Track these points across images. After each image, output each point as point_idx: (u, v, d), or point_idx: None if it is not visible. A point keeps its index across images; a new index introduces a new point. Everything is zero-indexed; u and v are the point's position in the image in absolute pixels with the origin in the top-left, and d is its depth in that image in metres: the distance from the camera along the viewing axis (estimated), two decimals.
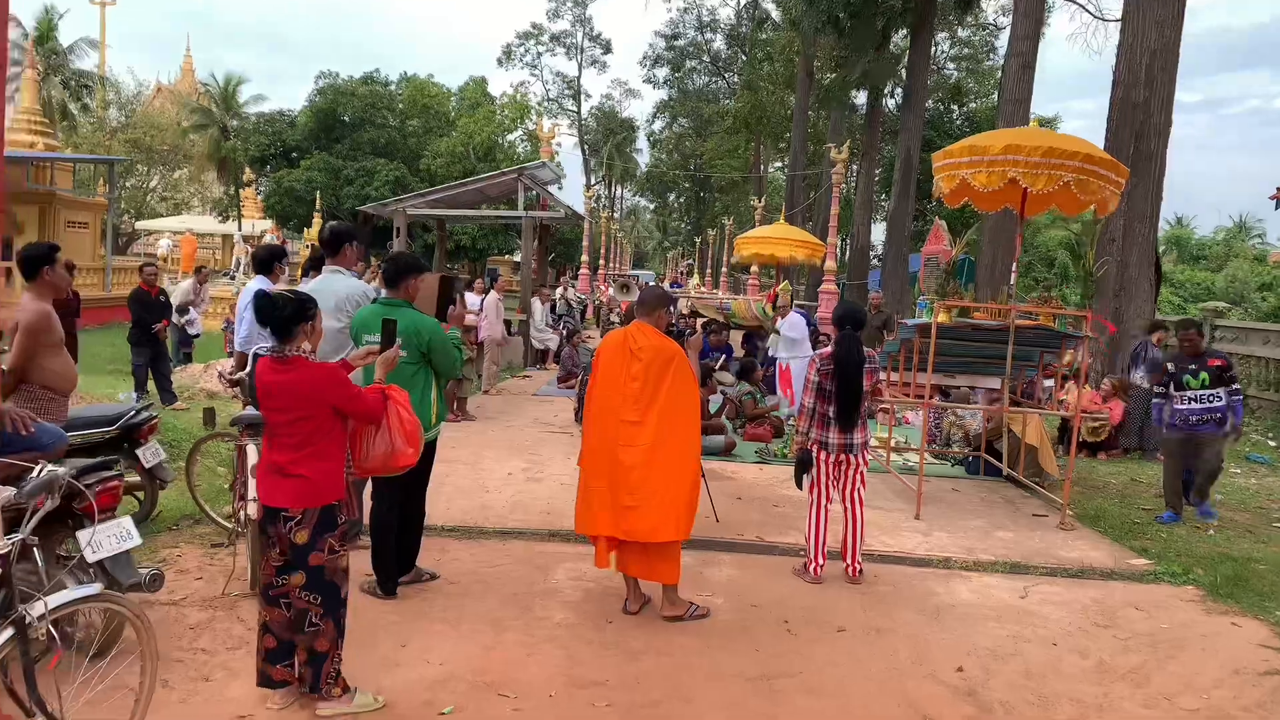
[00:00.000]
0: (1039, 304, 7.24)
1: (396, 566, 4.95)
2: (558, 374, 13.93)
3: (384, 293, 5.16)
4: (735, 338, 16.54)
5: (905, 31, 22.86)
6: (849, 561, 5.42)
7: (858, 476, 5.39)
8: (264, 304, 3.59)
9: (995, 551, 6.25)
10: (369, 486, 5.11)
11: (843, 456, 5.33)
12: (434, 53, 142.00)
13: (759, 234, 13.37)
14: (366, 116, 38.77)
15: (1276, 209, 12.43)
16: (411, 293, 4.81)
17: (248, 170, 41.42)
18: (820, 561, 5.35)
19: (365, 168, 36.31)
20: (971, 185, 6.69)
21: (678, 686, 4.01)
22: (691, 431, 4.67)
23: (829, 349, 5.35)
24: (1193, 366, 7.28)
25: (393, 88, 43.03)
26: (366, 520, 5.19)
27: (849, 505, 5.40)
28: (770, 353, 10.83)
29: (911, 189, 20.93)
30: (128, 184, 42.71)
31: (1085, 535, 6.89)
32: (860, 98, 32.27)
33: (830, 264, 16.72)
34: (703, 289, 31.51)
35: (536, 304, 15.78)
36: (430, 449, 4.91)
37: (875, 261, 29.74)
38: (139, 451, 5.73)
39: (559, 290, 21.90)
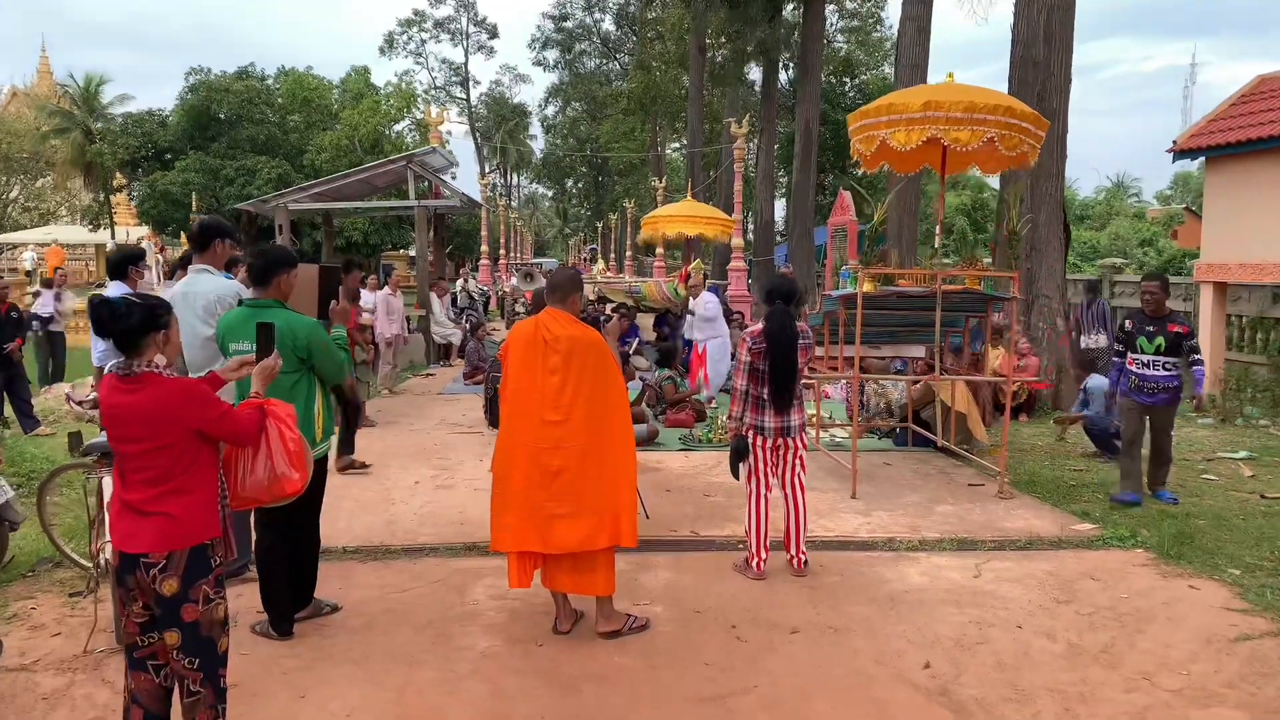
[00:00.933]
0: (965, 267, 6.98)
1: (291, 601, 4.33)
2: (463, 370, 13.24)
3: (251, 293, 4.53)
4: (645, 321, 16.14)
5: (796, 3, 22.72)
6: (793, 553, 5.02)
7: (797, 461, 4.99)
8: (103, 311, 2.94)
9: (939, 528, 5.96)
10: (253, 512, 4.46)
11: (780, 440, 4.92)
12: (313, 46, 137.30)
13: (665, 213, 12.94)
14: (244, 113, 36.98)
15: (1174, 161, 12.56)
16: (285, 290, 4.18)
17: (118, 175, 39.07)
18: (763, 556, 4.93)
19: (245, 166, 34.65)
20: (890, 145, 6.35)
21: (622, 718, 3.53)
22: (625, 425, 4.19)
23: (759, 325, 4.91)
24: (1150, 328, 6.47)
25: (270, 82, 41.20)
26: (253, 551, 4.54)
27: (789, 492, 5.00)
28: (685, 335, 10.40)
29: (813, 161, 20.83)
30: None
31: (1025, 503, 6.68)
32: (755, 73, 32.23)
33: (738, 240, 16.44)
34: (608, 273, 31.02)
35: (435, 298, 15.02)
36: (321, 467, 4.30)
37: (779, 237, 29.75)
38: None
39: (459, 282, 21.11)
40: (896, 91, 6.49)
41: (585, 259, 41.47)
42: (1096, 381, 8.01)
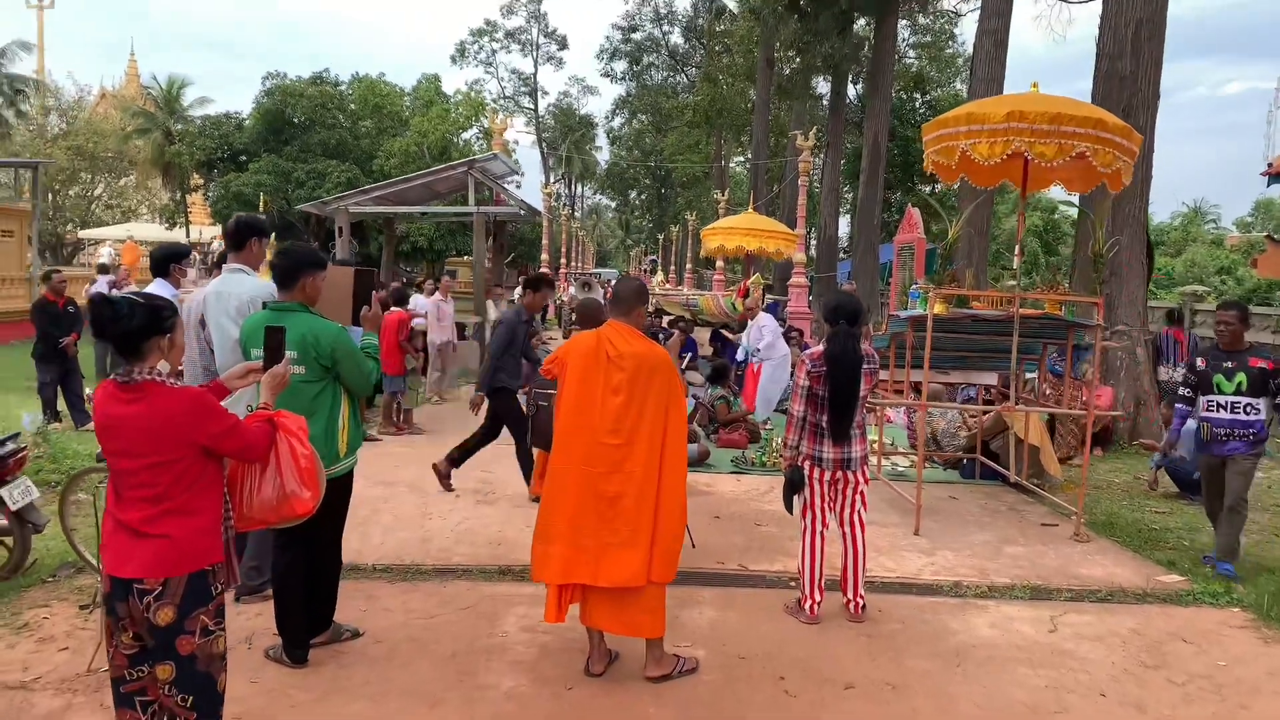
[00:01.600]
0: (1046, 290, 6.50)
1: (308, 625, 4.07)
2: None
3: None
4: (702, 336, 15.78)
5: (869, 16, 22.21)
6: (849, 596, 4.62)
7: (857, 497, 4.59)
8: (103, 311, 2.72)
9: (1010, 572, 5.50)
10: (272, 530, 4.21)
11: (839, 474, 4.53)
12: (386, 55, 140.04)
13: (726, 224, 12.58)
14: (316, 117, 37.58)
15: (1269, 185, 11.83)
16: (310, 293, 3.92)
17: (194, 175, 40.02)
18: (817, 598, 4.55)
19: (316, 170, 35.15)
20: (970, 157, 5.92)
21: None
22: (682, 453, 3.88)
23: (820, 347, 4.53)
24: (1229, 364, 5.59)
25: (343, 88, 41.87)
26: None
27: (848, 530, 4.60)
28: (741, 354, 9.99)
29: (880, 177, 20.26)
30: (71, 192, 41.09)
31: (1103, 547, 6.17)
32: (822, 87, 31.70)
33: (800, 256, 16.00)
34: (667, 285, 30.70)
35: (491, 305, 14.85)
36: (345, 484, 4.04)
37: (842, 254, 29.13)
38: (3, 491, 4.81)
39: (518, 290, 21.02)
40: (977, 101, 6.06)
41: (645, 270, 41.24)
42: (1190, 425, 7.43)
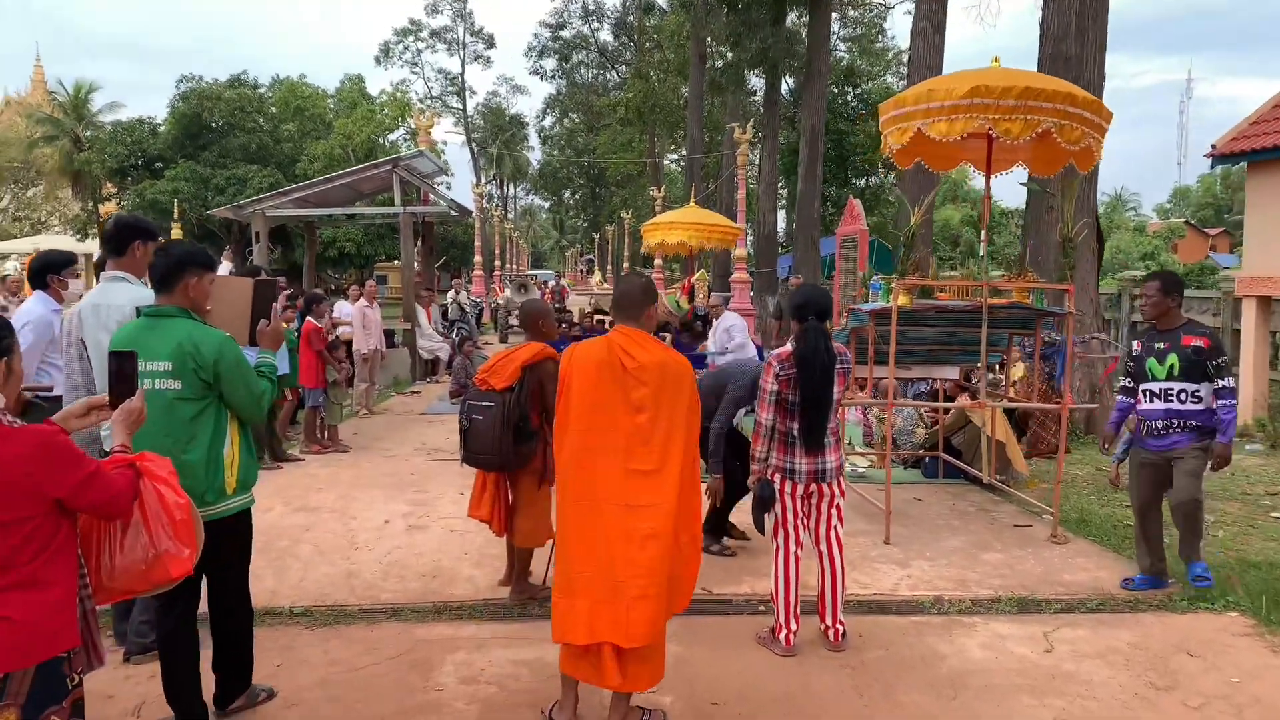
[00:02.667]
0: (1014, 278, 6.13)
1: (219, 694, 3.46)
2: (449, 387, 12.36)
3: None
4: None
5: (801, 8, 21.97)
6: (828, 622, 4.15)
7: (834, 511, 4.13)
8: None
9: (991, 582, 5.10)
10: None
11: (813, 486, 4.06)
12: (307, 57, 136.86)
13: (667, 219, 12.10)
14: (236, 121, 36.29)
15: (1213, 166, 11.78)
16: (195, 297, 3.31)
17: (106, 184, 38.27)
18: (793, 627, 4.06)
19: (237, 175, 33.88)
20: (929, 137, 5.51)
21: None
22: (699, 476, 3.39)
23: (787, 348, 4.05)
24: (1160, 345, 4.86)
25: (263, 90, 40.50)
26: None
27: (824, 549, 4.13)
28: (707, 358, 9.40)
29: (818, 169, 20.02)
30: None
31: (1081, 548, 5.82)
32: (755, 82, 31.54)
33: (741, 251, 15.62)
34: (605, 285, 30.17)
35: (421, 310, 14.16)
36: (241, 526, 3.39)
37: (780, 249, 28.93)
38: None
39: (450, 294, 20.29)
40: (938, 77, 5.66)
41: (582, 270, 40.67)
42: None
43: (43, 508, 2.10)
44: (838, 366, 3.97)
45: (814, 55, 20.48)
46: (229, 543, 3.28)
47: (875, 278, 6.56)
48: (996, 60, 5.91)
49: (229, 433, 3.27)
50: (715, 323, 9.42)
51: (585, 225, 65.25)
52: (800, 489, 4.04)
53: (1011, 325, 6.60)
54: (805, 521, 4.12)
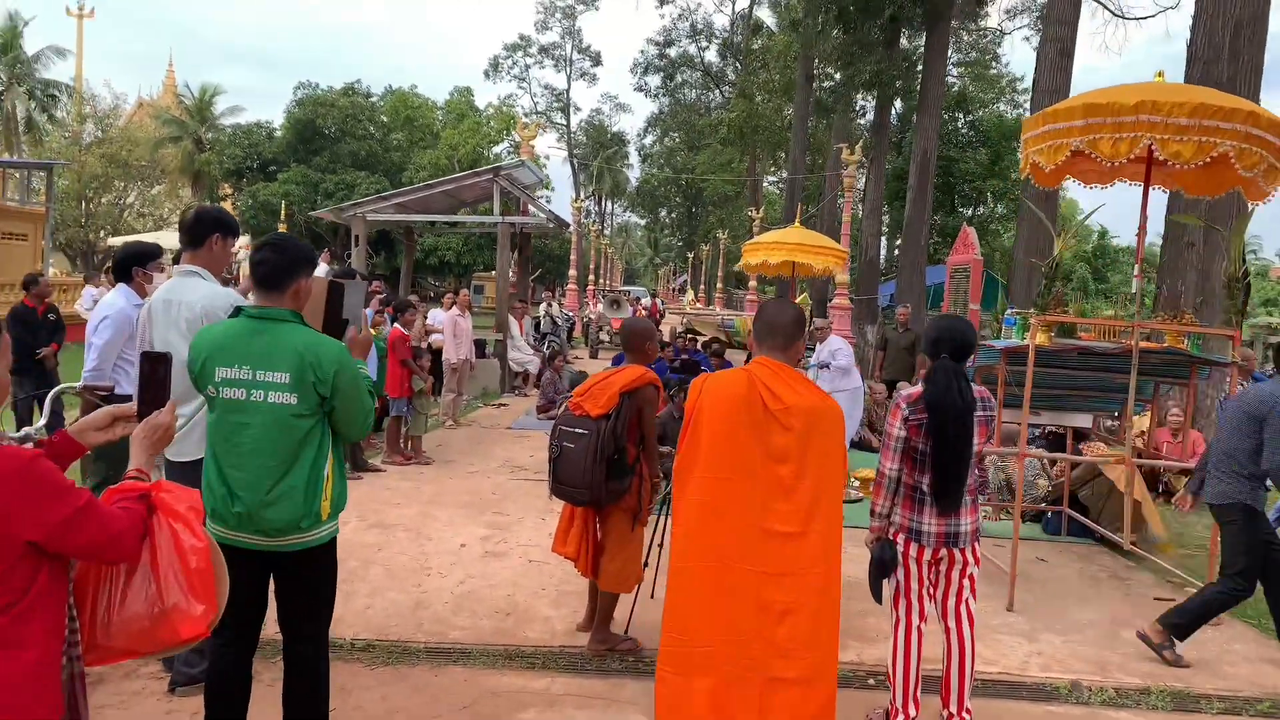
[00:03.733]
0: (1169, 320, 5.45)
1: None
2: (538, 402, 12.08)
3: (250, 299, 3.40)
4: (737, 358, 14.78)
5: (918, 28, 21.22)
6: (952, 709, 3.57)
7: (966, 581, 3.56)
8: None
9: (1137, 668, 4.43)
10: None
11: (943, 551, 3.51)
12: (421, 71, 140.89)
13: (770, 239, 11.58)
14: (347, 128, 37.32)
15: None
16: (304, 300, 2.97)
17: (223, 184, 39.73)
18: (912, 713, 3.51)
19: (345, 180, 34.76)
20: (1090, 156, 4.90)
21: None
22: (840, 543, 2.91)
23: (917, 388, 3.51)
24: None
25: (375, 99, 41.57)
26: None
27: (953, 625, 3.56)
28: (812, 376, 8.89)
29: (928, 194, 19.19)
30: (104, 200, 41.01)
31: (1239, 633, 5.08)
32: (864, 103, 30.77)
33: (843, 276, 14.97)
34: (698, 305, 29.77)
35: (514, 321, 13.94)
36: (326, 558, 2.98)
37: (881, 276, 28.00)
38: None
39: (542, 306, 20.13)
40: (1095, 91, 5.04)
41: (675, 289, 40.32)
42: None
43: (15, 550, 1.70)
44: (977, 414, 3.42)
45: (929, 78, 19.71)
46: (316, 574, 2.94)
47: (1010, 312, 5.93)
48: (1160, 75, 5.26)
49: (329, 455, 2.89)
50: (820, 345, 8.86)
51: (680, 244, 65.06)
52: (928, 553, 3.49)
53: (1161, 373, 5.89)
54: (931, 591, 3.57)
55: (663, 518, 4.70)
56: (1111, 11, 23.13)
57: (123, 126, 41.70)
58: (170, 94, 49.40)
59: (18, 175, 20.05)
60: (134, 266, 4.90)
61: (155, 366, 2.14)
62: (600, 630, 4.31)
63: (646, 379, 4.22)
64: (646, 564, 4.44)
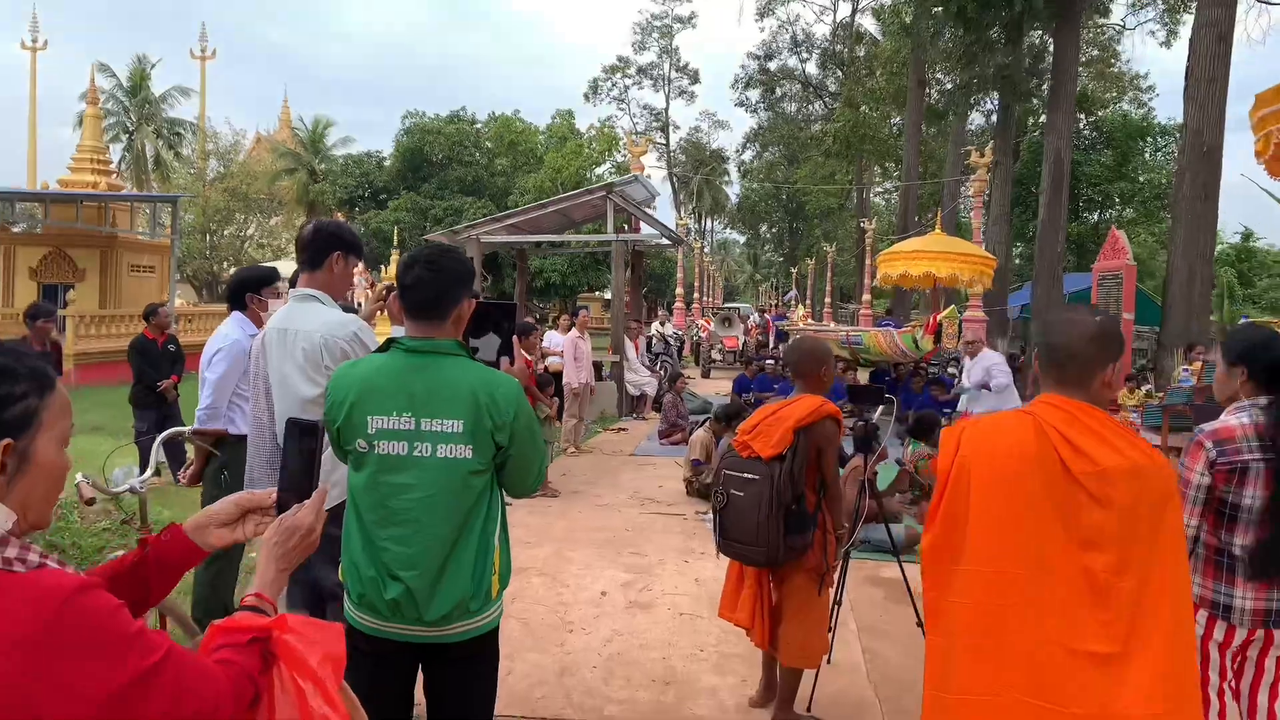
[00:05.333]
0: None
1: None
2: (659, 426, 11.48)
3: (391, 329, 2.89)
4: (861, 378, 13.88)
5: (1047, 23, 19.95)
6: None
7: None
8: None
9: None
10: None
11: (1259, 633, 2.69)
12: (523, 98, 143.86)
13: (911, 247, 10.75)
14: (454, 155, 37.92)
15: None
16: (464, 324, 2.41)
17: (337, 213, 40.83)
18: None
19: (453, 206, 35.27)
20: None
21: None
22: (1196, 669, 2.04)
23: (1231, 421, 2.71)
24: None
25: (479, 126, 42.13)
26: None
27: None
28: (961, 407, 8.04)
29: (1063, 197, 17.89)
30: (225, 232, 42.73)
31: None
32: (984, 105, 29.46)
33: (976, 287, 13.94)
34: (809, 320, 28.76)
35: (629, 342, 13.40)
36: (495, 646, 2.40)
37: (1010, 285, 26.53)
38: None
39: (654, 325, 19.59)
40: None
41: (786, 302, 39.26)
42: None
43: None
44: None
45: (1060, 75, 18.43)
46: (480, 669, 2.35)
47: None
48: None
49: (498, 522, 2.32)
50: (969, 361, 8.00)
51: (781, 259, 64.02)
52: (1238, 635, 2.68)
53: None
54: (1235, 681, 2.76)
55: (843, 573, 4.01)
56: None
57: (242, 161, 43.40)
58: (286, 128, 51.30)
59: (146, 211, 20.70)
60: (248, 293, 4.48)
61: (301, 439, 1.54)
62: (783, 711, 3.62)
63: (825, 411, 3.53)
64: (832, 629, 3.75)
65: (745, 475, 3.50)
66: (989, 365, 7.51)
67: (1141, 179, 32.23)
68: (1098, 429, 1.95)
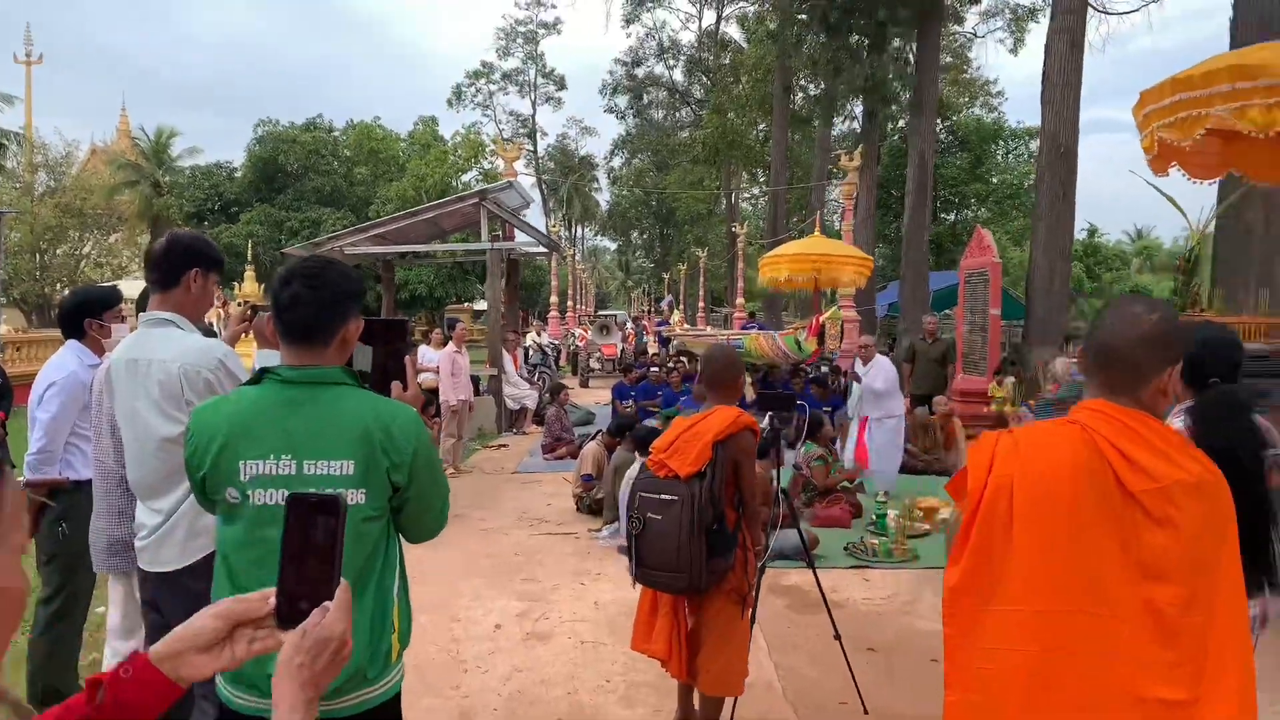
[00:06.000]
0: None
1: None
2: (542, 440, 11.09)
3: (260, 352, 2.48)
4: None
5: (909, 28, 20.63)
6: None
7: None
8: None
9: None
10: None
11: None
12: (383, 104, 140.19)
13: (793, 250, 10.74)
14: (310, 164, 36.35)
15: None
16: (350, 348, 2.05)
17: (183, 227, 38.54)
18: None
19: (311, 218, 33.81)
20: (1235, 128, 4.07)
21: None
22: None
23: (1178, 421, 2.56)
24: None
25: (337, 134, 40.65)
26: None
27: None
28: (850, 412, 8.00)
29: (928, 198, 18.50)
30: (59, 251, 39.62)
31: None
32: (847, 110, 30.31)
33: (846, 288, 14.18)
34: (686, 325, 28.88)
35: (507, 355, 12.95)
36: (397, 712, 2.08)
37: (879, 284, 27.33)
38: None
39: (530, 335, 19.17)
40: (1238, 51, 4.24)
41: (663, 308, 39.38)
42: None
43: None
44: (1270, 453, 2.48)
45: (923, 80, 19.09)
46: None
47: None
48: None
49: (397, 571, 2.02)
50: (864, 366, 7.97)
51: (653, 265, 64.48)
52: None
53: None
54: None
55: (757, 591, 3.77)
56: (1094, 8, 22.71)
57: (76, 174, 40.43)
58: (125, 138, 48.09)
59: None
60: (86, 318, 3.87)
61: (311, 521, 1.06)
62: None
63: (742, 422, 3.30)
64: None
65: (663, 497, 3.22)
66: (879, 369, 7.51)
67: (995, 180, 33.88)
68: (1152, 440, 1.70)
